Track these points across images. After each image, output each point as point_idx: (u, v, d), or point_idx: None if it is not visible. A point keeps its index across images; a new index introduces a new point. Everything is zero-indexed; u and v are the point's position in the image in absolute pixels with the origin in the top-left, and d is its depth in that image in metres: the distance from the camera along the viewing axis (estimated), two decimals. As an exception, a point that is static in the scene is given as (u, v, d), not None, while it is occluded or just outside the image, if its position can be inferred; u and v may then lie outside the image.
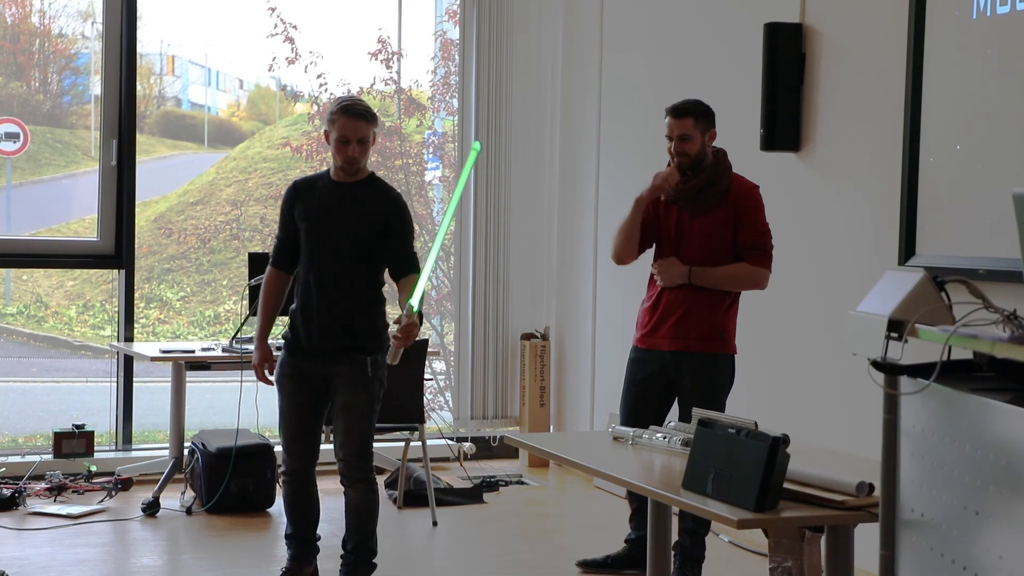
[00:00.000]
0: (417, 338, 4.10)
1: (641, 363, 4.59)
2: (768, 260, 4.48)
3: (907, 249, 4.49)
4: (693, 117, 4.44)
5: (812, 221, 5.11)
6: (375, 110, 4.26)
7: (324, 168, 4.39)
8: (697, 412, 3.38)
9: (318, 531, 4.51)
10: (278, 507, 5.77)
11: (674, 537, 4.08)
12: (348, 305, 4.18)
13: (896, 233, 4.55)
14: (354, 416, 4.22)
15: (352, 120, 4.11)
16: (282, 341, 4.38)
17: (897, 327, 2.36)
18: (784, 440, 2.75)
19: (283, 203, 4.31)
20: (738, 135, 5.42)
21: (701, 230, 4.46)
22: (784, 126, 5.12)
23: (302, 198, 4.25)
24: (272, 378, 4.31)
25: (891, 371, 2.38)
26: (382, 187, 4.25)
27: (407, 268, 4.19)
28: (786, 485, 2.78)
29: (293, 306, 4.28)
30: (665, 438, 3.45)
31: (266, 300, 4.32)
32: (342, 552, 4.39)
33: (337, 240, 4.16)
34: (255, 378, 4.44)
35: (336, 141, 4.15)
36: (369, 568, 4.38)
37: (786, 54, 5.10)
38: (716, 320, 4.48)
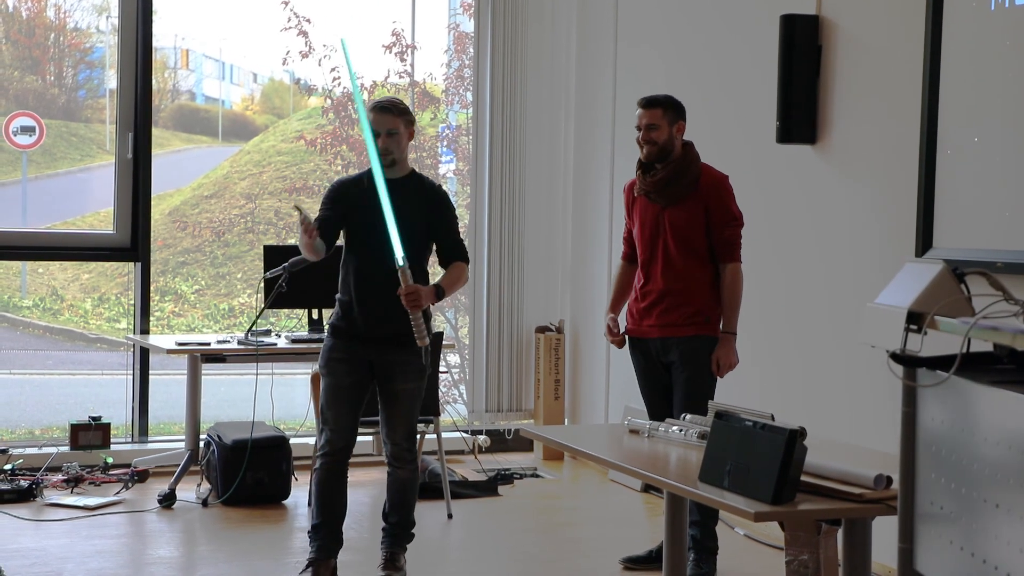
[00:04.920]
0: (423, 306, 4.28)
1: (638, 353, 4.75)
2: (736, 253, 4.60)
3: (924, 242, 4.47)
4: (662, 108, 4.59)
5: (828, 213, 5.10)
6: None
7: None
8: (713, 405, 3.38)
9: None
10: (294, 499, 5.79)
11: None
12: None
13: (913, 226, 4.53)
14: (409, 403, 4.46)
15: (377, 114, 4.45)
16: (327, 328, 4.52)
17: (916, 319, 2.36)
18: (801, 432, 2.75)
19: (328, 193, 4.51)
20: (754, 128, 5.41)
21: (674, 221, 4.59)
22: (800, 118, 5.10)
23: (348, 194, 4.48)
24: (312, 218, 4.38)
25: (910, 363, 2.37)
26: (425, 183, 4.53)
27: (454, 255, 4.49)
28: (803, 478, 2.77)
29: (340, 295, 4.47)
30: (681, 431, 3.45)
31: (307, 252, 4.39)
32: (384, 525, 4.55)
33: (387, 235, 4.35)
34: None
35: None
36: (410, 538, 4.61)
37: (802, 46, 5.09)
38: (701, 303, 4.60)
